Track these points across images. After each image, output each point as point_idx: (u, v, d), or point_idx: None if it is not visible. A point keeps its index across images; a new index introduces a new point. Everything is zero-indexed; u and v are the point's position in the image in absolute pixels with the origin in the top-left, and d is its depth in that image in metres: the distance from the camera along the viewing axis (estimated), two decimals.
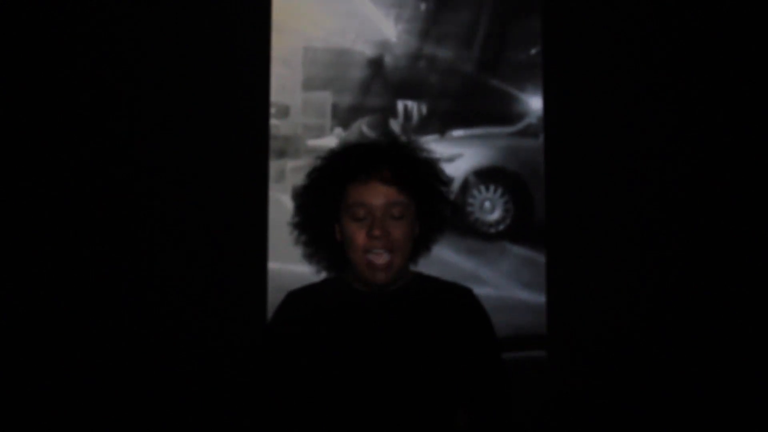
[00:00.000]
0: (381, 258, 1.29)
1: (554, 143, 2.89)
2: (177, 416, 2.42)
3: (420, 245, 1.41)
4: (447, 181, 1.41)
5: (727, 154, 2.86)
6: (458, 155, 2.90)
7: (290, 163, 2.73)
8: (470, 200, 2.88)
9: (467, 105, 2.90)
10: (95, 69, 2.47)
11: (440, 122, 2.89)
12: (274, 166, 2.71)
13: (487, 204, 2.88)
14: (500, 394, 1.35)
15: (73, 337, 2.39)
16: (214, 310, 2.50)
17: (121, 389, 2.40)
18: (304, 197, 1.39)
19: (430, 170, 1.38)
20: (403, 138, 1.44)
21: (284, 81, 2.77)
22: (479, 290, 2.62)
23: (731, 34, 2.88)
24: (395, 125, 2.85)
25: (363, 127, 2.84)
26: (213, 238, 2.53)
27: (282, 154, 2.75)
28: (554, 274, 2.80)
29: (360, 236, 1.30)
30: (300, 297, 1.39)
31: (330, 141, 2.79)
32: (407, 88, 2.88)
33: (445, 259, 2.77)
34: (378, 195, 1.30)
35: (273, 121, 2.75)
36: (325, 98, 2.82)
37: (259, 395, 1.35)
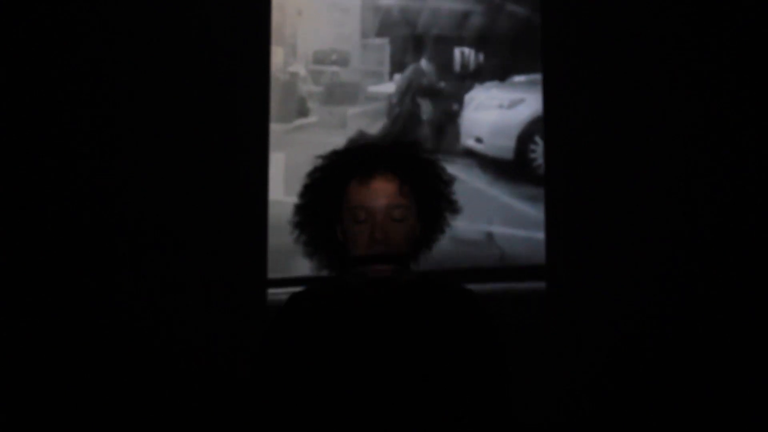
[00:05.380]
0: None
1: (553, 92, 2.80)
2: (173, 405, 2.47)
3: (421, 245, 1.40)
4: (448, 181, 1.39)
5: (722, 135, 2.72)
6: (520, 100, 2.84)
7: (350, 110, 2.75)
8: (532, 146, 2.84)
9: (528, 50, 2.83)
10: (98, 54, 2.53)
11: (500, 68, 2.83)
12: (336, 112, 2.72)
13: None
14: (501, 392, 1.35)
15: (70, 312, 2.44)
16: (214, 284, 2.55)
17: (118, 360, 2.46)
18: (305, 197, 1.39)
19: (431, 171, 1.37)
20: (406, 138, 1.42)
21: (343, 29, 2.77)
22: (541, 235, 2.63)
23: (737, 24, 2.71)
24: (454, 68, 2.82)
25: (422, 61, 2.82)
26: (214, 211, 2.58)
27: (342, 100, 2.76)
28: (553, 207, 2.75)
29: (361, 238, 1.29)
30: (302, 299, 1.40)
31: (389, 87, 2.80)
32: (466, 34, 2.82)
33: (508, 204, 2.75)
34: (379, 197, 1.29)
35: (333, 68, 2.76)
36: (384, 45, 2.80)
37: (261, 396, 1.36)
